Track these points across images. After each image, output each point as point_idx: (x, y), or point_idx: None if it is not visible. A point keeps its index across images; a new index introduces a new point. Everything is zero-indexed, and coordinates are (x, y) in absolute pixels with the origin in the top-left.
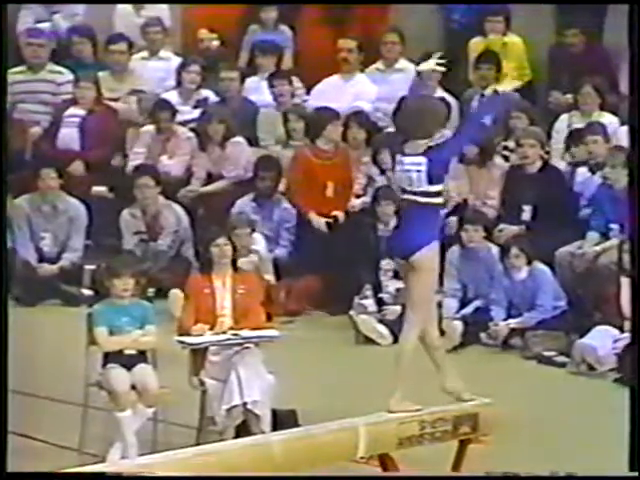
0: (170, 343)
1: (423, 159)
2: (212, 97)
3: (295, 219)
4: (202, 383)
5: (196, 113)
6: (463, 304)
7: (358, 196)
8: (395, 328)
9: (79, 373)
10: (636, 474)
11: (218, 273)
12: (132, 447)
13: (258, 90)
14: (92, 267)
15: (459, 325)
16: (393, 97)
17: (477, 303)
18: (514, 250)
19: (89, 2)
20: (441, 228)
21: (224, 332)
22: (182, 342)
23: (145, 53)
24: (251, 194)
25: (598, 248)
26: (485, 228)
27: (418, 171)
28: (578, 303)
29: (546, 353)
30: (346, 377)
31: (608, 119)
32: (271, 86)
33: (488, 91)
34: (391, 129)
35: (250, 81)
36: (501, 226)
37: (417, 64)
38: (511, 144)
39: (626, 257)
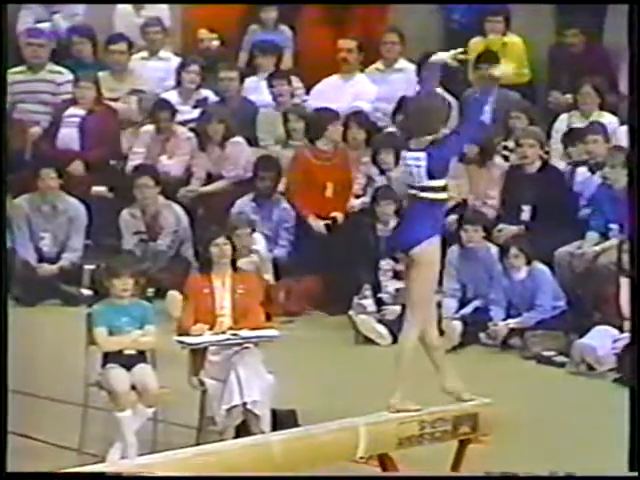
0: (170, 343)
1: (423, 154)
2: (212, 97)
3: (294, 219)
4: (202, 383)
5: (196, 113)
6: (462, 304)
7: (357, 196)
8: (394, 328)
9: (79, 373)
10: (636, 474)
11: (217, 273)
12: (132, 447)
13: (258, 90)
14: (92, 267)
15: (458, 325)
16: (393, 97)
17: (476, 303)
18: (513, 250)
19: (89, 2)
20: (443, 225)
21: (223, 332)
22: (182, 342)
23: (145, 53)
24: (250, 194)
25: (597, 248)
26: (484, 228)
27: (418, 166)
28: (577, 303)
29: (545, 353)
30: (345, 377)
31: (608, 119)
32: (270, 86)
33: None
34: (391, 129)
35: (250, 81)
36: (500, 226)
37: (417, 64)
38: (511, 144)
39: (625, 257)
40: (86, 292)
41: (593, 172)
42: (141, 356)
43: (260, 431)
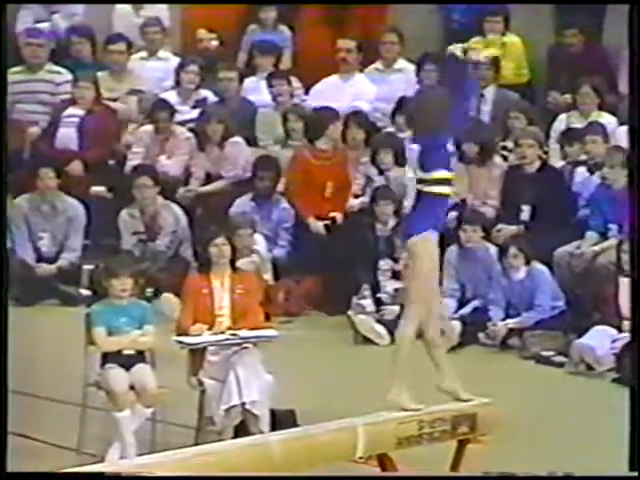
0: (168, 343)
1: (416, 146)
2: (211, 97)
3: (294, 219)
4: (201, 383)
5: (195, 113)
6: (461, 304)
7: (357, 196)
8: (393, 328)
9: (77, 373)
10: (636, 474)
11: (216, 273)
12: (131, 447)
13: (257, 90)
14: (90, 267)
15: (457, 325)
16: (392, 97)
17: (475, 303)
18: (512, 250)
19: (88, 2)
20: (440, 221)
21: (222, 332)
22: (181, 342)
23: (144, 53)
24: (250, 194)
25: (596, 248)
26: (483, 228)
27: (415, 159)
28: (576, 303)
29: (544, 353)
30: (344, 377)
31: (607, 119)
32: (270, 86)
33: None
34: (390, 129)
35: (249, 81)
36: (499, 226)
37: (417, 64)
38: (509, 144)
39: (624, 257)
40: (85, 292)
41: (592, 172)
42: (140, 356)
43: (259, 431)
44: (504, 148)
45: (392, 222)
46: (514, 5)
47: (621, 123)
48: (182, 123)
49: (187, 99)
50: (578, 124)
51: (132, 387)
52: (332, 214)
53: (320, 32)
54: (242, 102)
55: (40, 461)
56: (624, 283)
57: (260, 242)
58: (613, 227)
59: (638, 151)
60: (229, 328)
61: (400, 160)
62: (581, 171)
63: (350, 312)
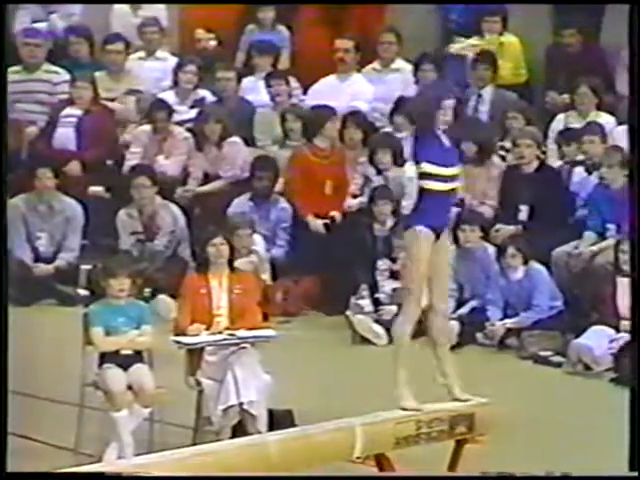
0: (166, 343)
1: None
2: (209, 97)
3: (292, 219)
4: (198, 383)
5: (193, 113)
6: (459, 304)
7: (355, 196)
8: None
9: (75, 373)
10: (636, 474)
11: (215, 273)
12: (128, 447)
13: (255, 90)
14: (88, 267)
15: (455, 325)
16: (390, 97)
17: (473, 303)
18: (510, 250)
19: (86, 2)
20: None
21: (220, 332)
22: (178, 342)
23: (142, 53)
24: (248, 194)
25: (594, 248)
26: (482, 228)
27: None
28: (574, 303)
29: (542, 353)
30: (342, 377)
31: (605, 119)
32: (268, 86)
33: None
34: (388, 129)
35: (247, 81)
36: (498, 226)
37: (415, 64)
38: (508, 144)
39: (622, 257)
40: (82, 292)
41: (590, 172)
42: (138, 356)
43: (257, 431)
44: (502, 148)
45: (390, 222)
46: (512, 5)
47: (619, 123)
48: (180, 123)
49: (185, 99)
50: (576, 124)
51: (130, 387)
52: (331, 213)
53: (318, 32)
54: (240, 102)
55: (37, 461)
56: (622, 283)
57: (259, 242)
58: (611, 227)
59: (638, 151)
60: (227, 328)
61: (398, 160)
62: (579, 171)
63: (348, 312)
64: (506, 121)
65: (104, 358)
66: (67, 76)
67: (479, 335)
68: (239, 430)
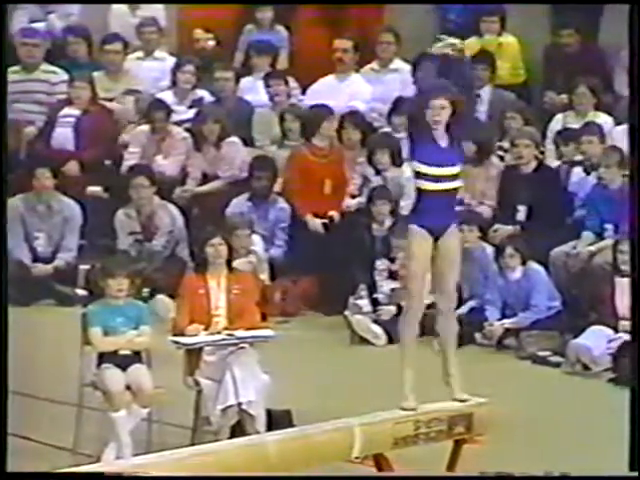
0: (165, 343)
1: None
2: (207, 97)
3: (290, 219)
4: (197, 383)
5: (191, 113)
6: (458, 304)
7: (353, 196)
8: (390, 328)
9: (74, 373)
10: (636, 474)
11: (213, 273)
12: (127, 447)
13: (253, 90)
14: (86, 267)
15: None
16: (388, 97)
17: (472, 303)
18: (509, 250)
19: (84, 2)
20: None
21: (219, 332)
22: (177, 342)
23: (140, 53)
24: (246, 194)
25: (593, 248)
26: (480, 228)
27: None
28: (572, 303)
29: (541, 353)
30: (341, 377)
31: (603, 119)
32: (267, 86)
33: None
34: (386, 129)
35: (245, 81)
36: (496, 226)
37: (413, 65)
38: (506, 144)
39: (620, 257)
40: (81, 292)
41: (588, 172)
42: (136, 356)
43: (255, 431)
44: (500, 148)
45: (388, 222)
46: (510, 5)
47: (617, 123)
48: (178, 123)
49: (183, 99)
50: (574, 124)
51: (128, 387)
52: (330, 213)
53: (316, 32)
54: (238, 102)
55: (35, 461)
56: (620, 283)
57: (257, 243)
58: (609, 227)
59: (638, 151)
60: (225, 328)
61: (397, 160)
62: (577, 171)
63: (347, 312)
64: (504, 121)
65: (102, 358)
66: (65, 76)
67: (477, 335)
68: (238, 430)
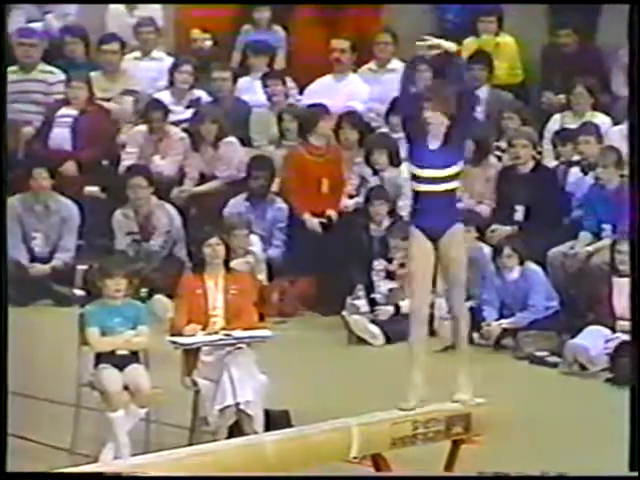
0: (162, 343)
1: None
2: (205, 97)
3: (288, 219)
4: (195, 383)
5: (189, 113)
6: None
7: (351, 196)
8: (387, 328)
9: (71, 373)
10: (636, 474)
11: (210, 273)
12: (124, 447)
13: (251, 90)
14: (84, 267)
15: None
16: (386, 97)
17: (469, 303)
18: (506, 250)
19: (82, 2)
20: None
21: (216, 332)
22: (174, 342)
23: (137, 53)
24: (244, 194)
25: (590, 248)
26: (477, 228)
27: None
28: (570, 303)
29: (538, 353)
30: (339, 377)
31: (600, 119)
32: (265, 86)
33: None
34: (384, 129)
35: (243, 81)
36: (494, 226)
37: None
38: (503, 144)
39: (618, 257)
40: (78, 292)
41: (586, 173)
42: (134, 356)
43: (253, 431)
44: (498, 148)
45: (386, 222)
46: (508, 5)
47: (615, 123)
48: (176, 123)
49: (181, 99)
50: (572, 124)
51: (126, 387)
52: (328, 212)
53: (314, 32)
54: (236, 102)
55: (33, 461)
56: (618, 283)
57: (255, 243)
58: (607, 227)
59: (638, 151)
60: (223, 328)
61: (394, 160)
62: (575, 171)
63: (344, 312)
64: (502, 121)
65: (100, 358)
66: (63, 76)
67: (475, 335)
68: (235, 430)
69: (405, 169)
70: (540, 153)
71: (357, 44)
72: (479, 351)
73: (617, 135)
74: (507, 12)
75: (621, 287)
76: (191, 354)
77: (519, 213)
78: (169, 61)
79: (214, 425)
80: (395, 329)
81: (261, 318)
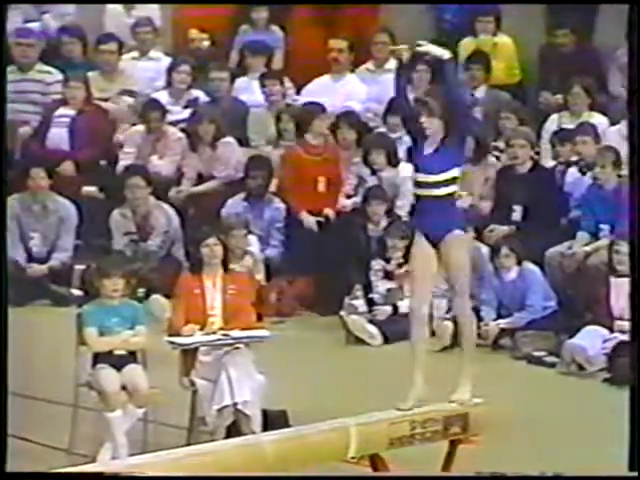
0: (160, 343)
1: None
2: (202, 97)
3: (286, 219)
4: (192, 383)
5: (186, 113)
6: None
7: (349, 196)
8: (385, 328)
9: (69, 373)
10: (636, 474)
11: (208, 273)
12: (122, 447)
13: (248, 90)
14: (82, 267)
15: (450, 325)
16: (383, 97)
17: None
18: (504, 250)
19: (79, 2)
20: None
21: (214, 332)
22: (172, 342)
23: (135, 53)
24: (242, 194)
25: (588, 248)
26: (475, 228)
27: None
28: (568, 303)
29: (536, 353)
30: (337, 377)
31: (598, 119)
32: (262, 86)
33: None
34: (382, 129)
35: (240, 81)
36: (491, 226)
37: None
38: (501, 144)
39: (616, 257)
40: (76, 292)
41: (583, 173)
42: (131, 356)
43: (251, 431)
44: (496, 148)
45: (384, 222)
46: (505, 5)
47: (612, 123)
48: (174, 123)
49: (179, 99)
50: (569, 124)
51: (124, 387)
52: (325, 211)
53: (312, 32)
54: (234, 102)
55: (31, 461)
56: (615, 283)
57: (254, 243)
58: (604, 227)
59: (638, 151)
60: (221, 328)
61: (392, 160)
62: (572, 171)
63: (342, 312)
64: (499, 121)
65: (98, 358)
66: (60, 76)
67: None
68: (233, 430)
69: (403, 169)
70: (538, 153)
71: (355, 44)
72: (477, 351)
73: (615, 135)
74: (505, 12)
75: (619, 287)
76: (189, 354)
77: (517, 213)
78: (167, 61)
79: (212, 425)
80: (393, 329)
81: (259, 318)
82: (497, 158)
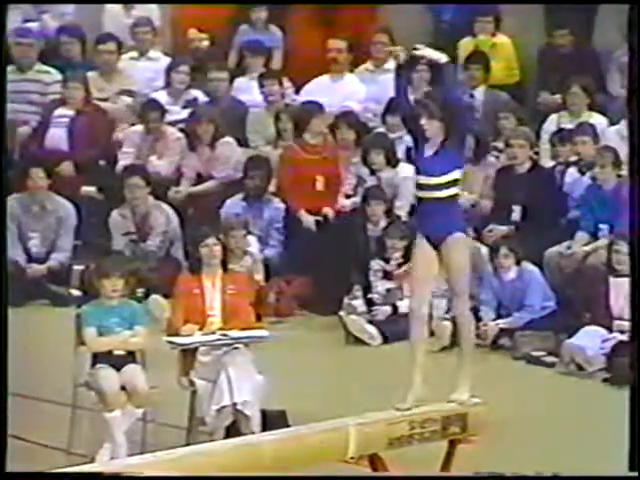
0: (159, 343)
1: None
2: (201, 97)
3: (285, 219)
4: (192, 383)
5: (185, 113)
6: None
7: (348, 196)
8: (384, 328)
9: (68, 374)
10: (636, 474)
11: (208, 273)
12: (121, 447)
13: (247, 90)
14: (81, 267)
15: (449, 325)
16: (383, 97)
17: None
18: (503, 250)
19: (78, 2)
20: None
21: (213, 332)
22: (172, 342)
23: (134, 53)
24: (241, 194)
25: (587, 248)
26: (474, 228)
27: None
28: (567, 303)
29: (535, 353)
30: (336, 377)
31: (597, 119)
32: (261, 86)
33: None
34: (381, 129)
35: (239, 81)
36: (490, 226)
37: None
38: (500, 144)
39: (615, 257)
40: (75, 292)
41: (583, 173)
42: (130, 356)
43: (250, 432)
44: (495, 148)
45: (383, 222)
46: (504, 5)
47: (611, 123)
48: (173, 123)
49: (178, 99)
50: (568, 124)
51: (123, 387)
52: (324, 210)
53: (311, 32)
54: (233, 102)
55: (30, 462)
56: (614, 283)
57: (253, 243)
58: (603, 227)
59: (638, 151)
60: (220, 328)
61: (391, 160)
62: (571, 171)
63: (341, 312)
64: (498, 121)
65: (97, 358)
66: (59, 76)
67: None
68: (232, 430)
69: (402, 169)
70: (537, 153)
71: (354, 44)
72: (476, 351)
73: (614, 135)
74: (504, 13)
75: (618, 287)
76: (188, 354)
77: (516, 213)
78: (166, 61)
79: (211, 425)
80: (392, 329)
81: (258, 318)
82: (496, 158)
